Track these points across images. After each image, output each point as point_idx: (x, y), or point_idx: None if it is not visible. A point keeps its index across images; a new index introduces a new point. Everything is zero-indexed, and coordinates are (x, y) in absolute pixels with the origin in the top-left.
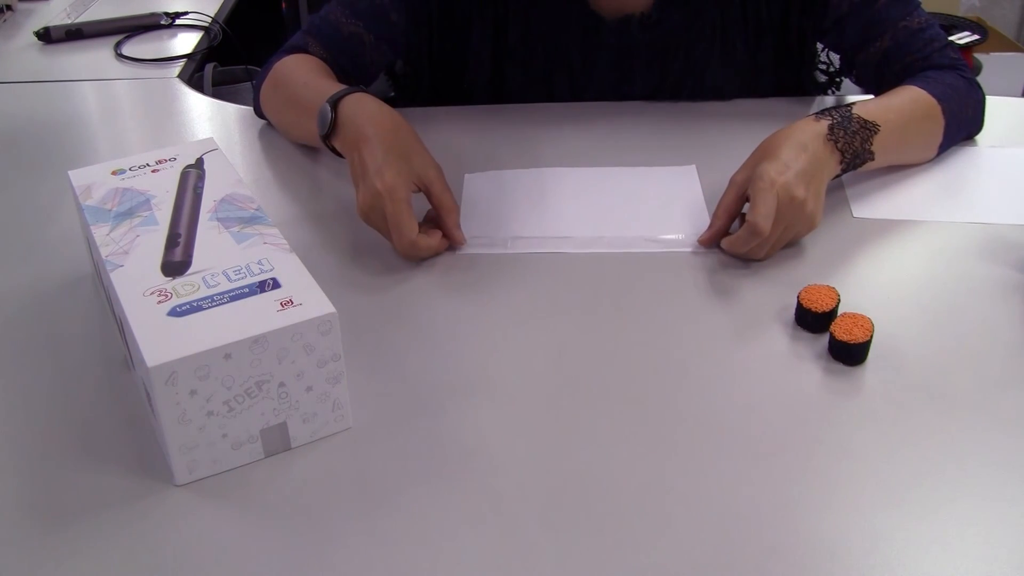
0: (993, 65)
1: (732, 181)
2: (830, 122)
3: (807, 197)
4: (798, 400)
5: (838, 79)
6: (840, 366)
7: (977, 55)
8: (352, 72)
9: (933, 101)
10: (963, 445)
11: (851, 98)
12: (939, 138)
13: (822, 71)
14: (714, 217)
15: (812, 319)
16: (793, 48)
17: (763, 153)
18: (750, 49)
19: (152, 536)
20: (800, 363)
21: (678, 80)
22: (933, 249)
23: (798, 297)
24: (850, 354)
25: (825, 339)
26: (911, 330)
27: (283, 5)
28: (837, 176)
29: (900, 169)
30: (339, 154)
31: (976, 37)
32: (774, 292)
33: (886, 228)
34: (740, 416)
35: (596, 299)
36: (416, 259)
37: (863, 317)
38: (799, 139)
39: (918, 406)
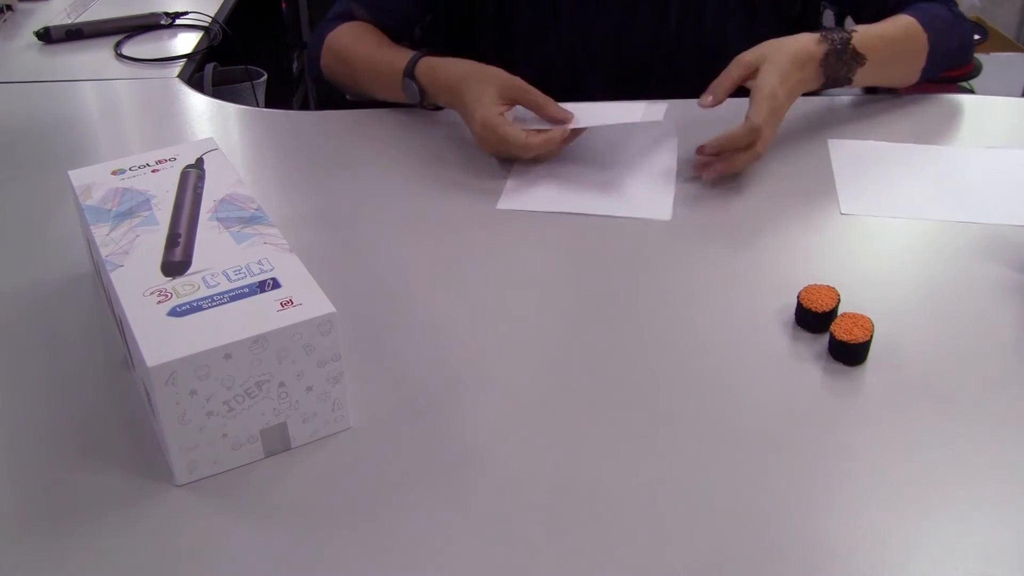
0: (993, 65)
1: (739, 60)
2: (827, 48)
3: (776, 125)
4: (798, 400)
5: None
6: (840, 366)
7: (977, 55)
8: (395, 28)
9: (919, 28)
10: (963, 445)
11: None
12: (921, 63)
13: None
14: (717, 86)
15: (812, 319)
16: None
17: (768, 52)
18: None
19: (152, 536)
20: (800, 363)
21: (680, 21)
22: (933, 249)
23: (798, 297)
24: (850, 354)
25: (825, 339)
26: (911, 330)
27: (283, 5)
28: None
29: (894, 167)
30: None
31: (976, 37)
32: (774, 292)
33: (884, 228)
34: (740, 416)
35: (595, 301)
36: (532, 155)
37: (863, 317)
38: (800, 57)
39: (918, 406)
